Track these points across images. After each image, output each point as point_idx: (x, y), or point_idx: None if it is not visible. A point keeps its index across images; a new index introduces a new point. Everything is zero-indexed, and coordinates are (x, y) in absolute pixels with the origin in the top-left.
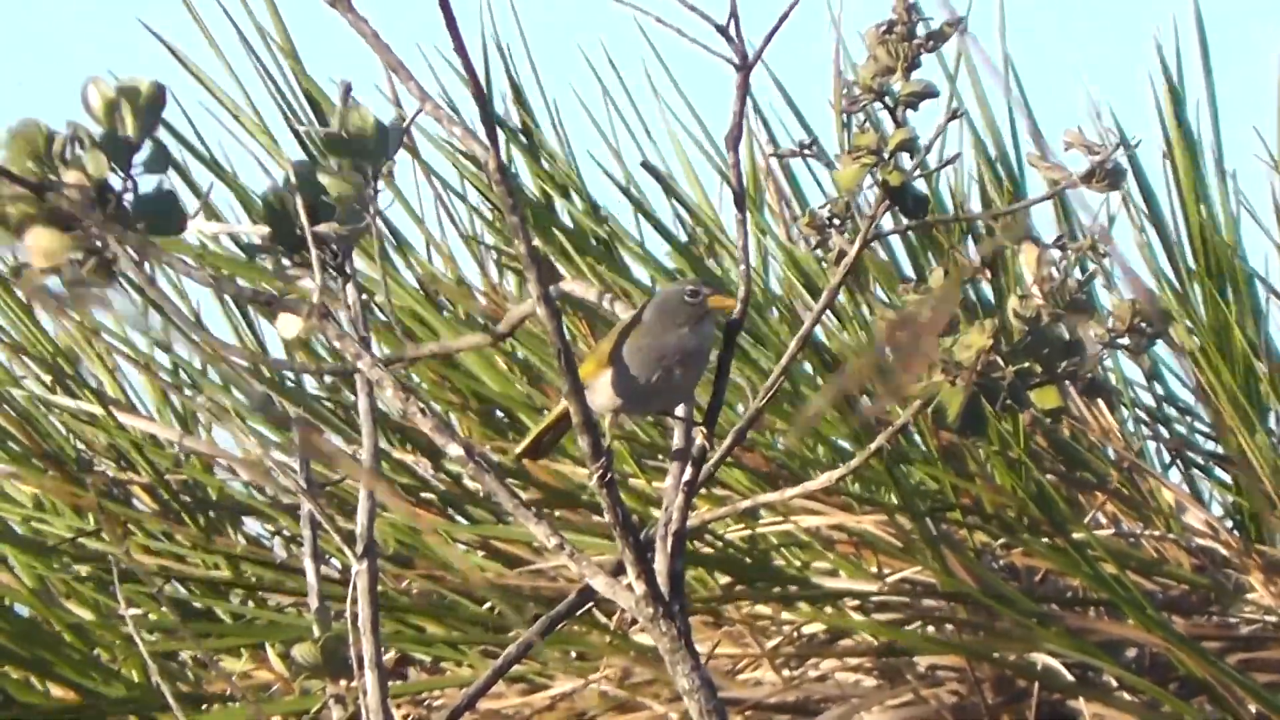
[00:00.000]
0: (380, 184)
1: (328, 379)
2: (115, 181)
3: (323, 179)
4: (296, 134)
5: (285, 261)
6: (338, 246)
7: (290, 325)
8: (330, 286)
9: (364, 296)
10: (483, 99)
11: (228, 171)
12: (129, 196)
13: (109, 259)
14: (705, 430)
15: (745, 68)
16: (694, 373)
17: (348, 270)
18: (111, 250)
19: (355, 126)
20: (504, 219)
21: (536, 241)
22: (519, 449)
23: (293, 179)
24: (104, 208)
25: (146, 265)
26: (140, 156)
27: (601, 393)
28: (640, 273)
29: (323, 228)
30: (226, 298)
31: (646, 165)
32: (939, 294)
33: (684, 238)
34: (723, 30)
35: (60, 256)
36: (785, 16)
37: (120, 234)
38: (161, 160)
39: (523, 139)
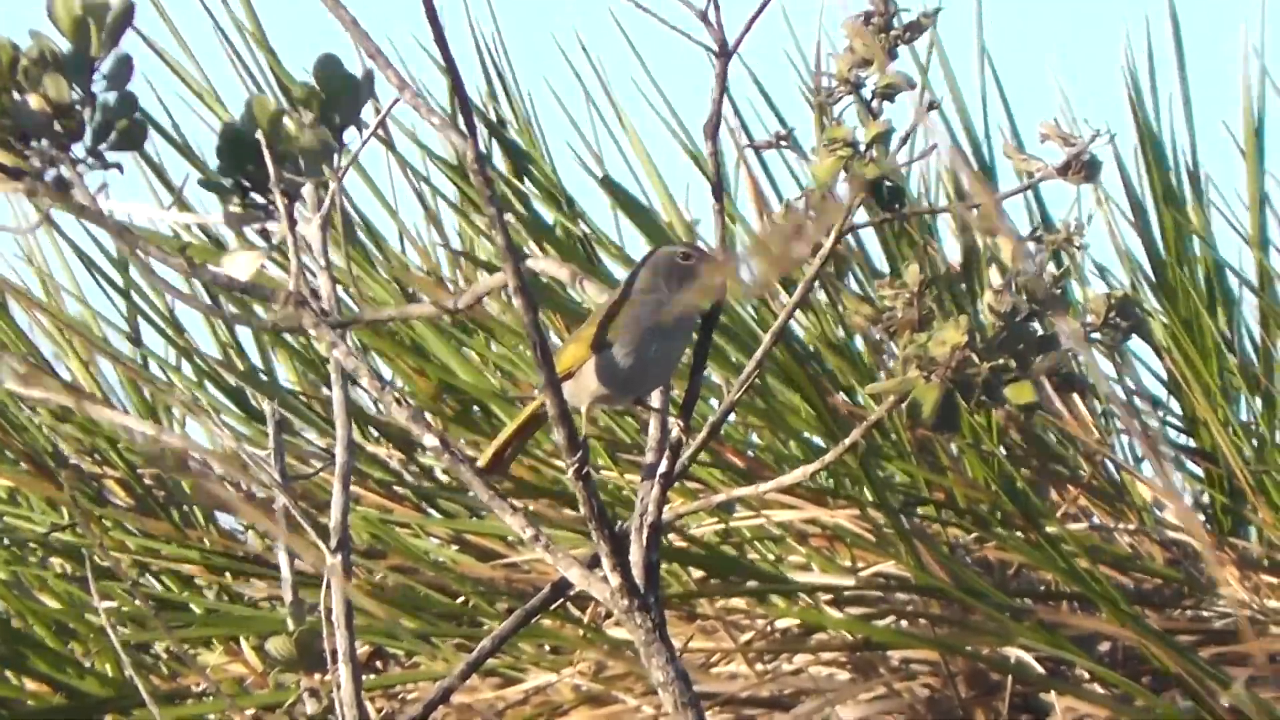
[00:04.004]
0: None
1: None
2: (78, 98)
3: (290, 125)
4: None
5: (236, 204)
6: (290, 190)
7: (243, 265)
8: (281, 231)
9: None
10: (460, 87)
11: (199, 159)
12: (90, 114)
13: (66, 181)
14: (681, 422)
15: (725, 55)
16: (685, 342)
17: (296, 217)
18: (68, 173)
19: (326, 77)
20: (478, 211)
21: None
22: (480, 461)
23: (254, 114)
24: (65, 127)
25: (103, 190)
26: (103, 70)
27: (586, 380)
28: (618, 271)
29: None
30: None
31: (605, 181)
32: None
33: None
34: (703, 16)
35: (15, 180)
36: (765, 4)
37: (77, 157)
38: (125, 74)
39: (500, 134)
